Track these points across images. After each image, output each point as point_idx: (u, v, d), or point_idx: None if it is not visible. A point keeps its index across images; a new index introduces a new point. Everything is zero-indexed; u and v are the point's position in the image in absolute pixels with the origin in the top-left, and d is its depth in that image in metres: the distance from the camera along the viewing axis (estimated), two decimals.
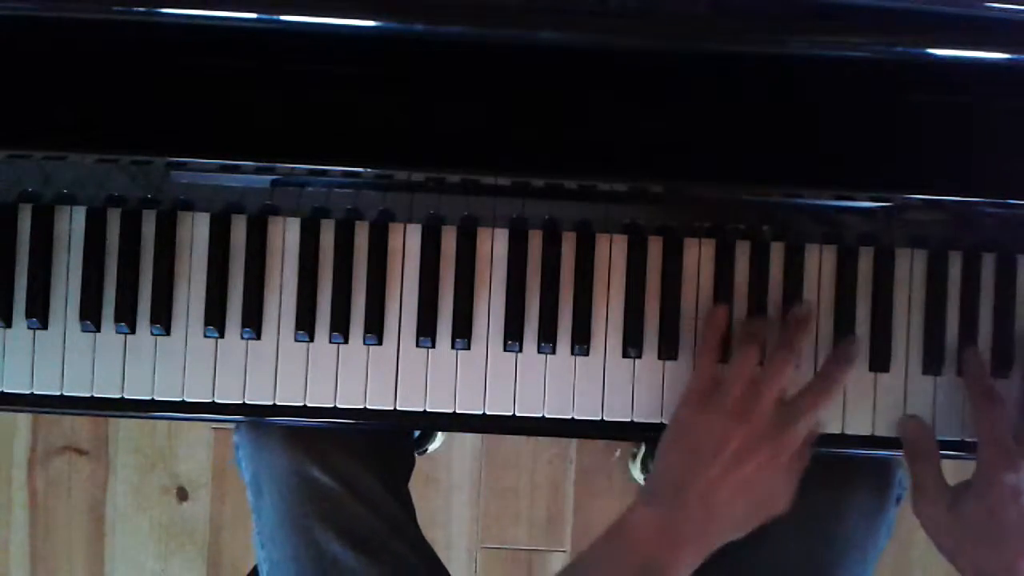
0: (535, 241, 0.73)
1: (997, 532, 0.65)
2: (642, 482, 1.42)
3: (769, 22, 0.59)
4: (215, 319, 0.72)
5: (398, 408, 0.73)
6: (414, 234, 0.73)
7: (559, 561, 1.46)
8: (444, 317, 0.73)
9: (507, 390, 0.73)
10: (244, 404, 0.73)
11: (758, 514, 0.68)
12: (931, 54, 0.59)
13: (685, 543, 0.66)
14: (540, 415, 0.73)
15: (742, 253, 0.73)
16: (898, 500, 0.80)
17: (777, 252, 0.73)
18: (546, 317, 0.73)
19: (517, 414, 0.73)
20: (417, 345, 0.73)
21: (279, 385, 0.73)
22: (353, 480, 0.77)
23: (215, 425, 1.44)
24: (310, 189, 0.68)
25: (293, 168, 0.64)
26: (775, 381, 0.68)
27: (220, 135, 0.63)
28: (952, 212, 0.67)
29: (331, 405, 0.73)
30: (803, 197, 0.66)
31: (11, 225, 0.72)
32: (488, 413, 0.73)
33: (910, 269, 0.74)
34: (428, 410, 0.73)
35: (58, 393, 0.73)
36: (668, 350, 0.73)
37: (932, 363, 0.73)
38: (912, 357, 0.74)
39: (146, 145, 0.63)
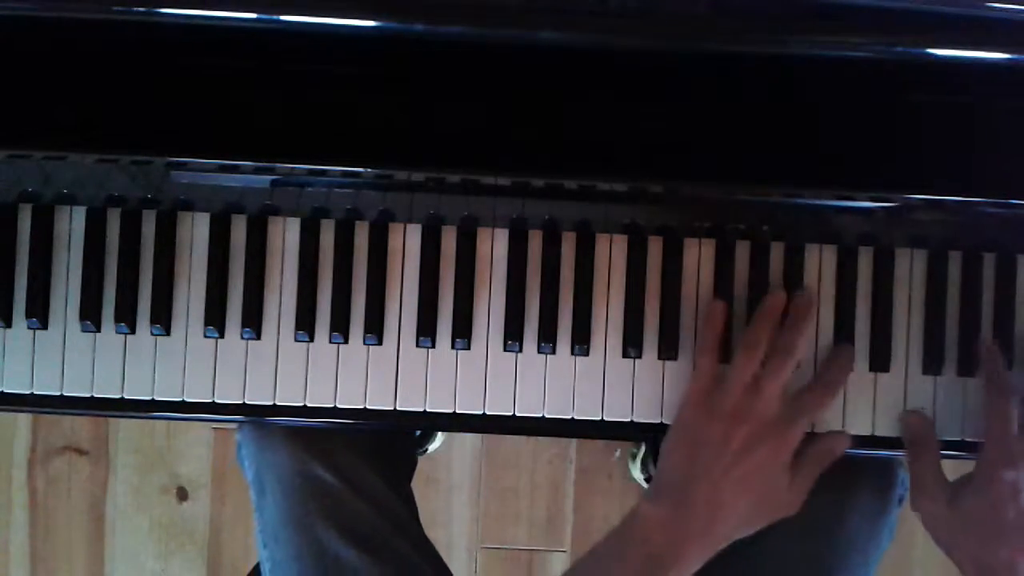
0: (535, 241, 0.73)
1: (996, 528, 0.66)
2: (642, 482, 1.42)
3: (769, 22, 0.59)
4: (215, 319, 0.72)
5: (398, 408, 0.73)
6: (414, 234, 0.73)
7: (559, 561, 1.46)
8: (444, 317, 0.73)
9: (507, 390, 0.73)
10: (244, 404, 0.73)
11: (764, 512, 0.68)
12: (931, 54, 0.59)
13: (690, 541, 0.66)
14: (540, 415, 0.73)
15: (742, 253, 0.73)
16: (900, 501, 0.80)
17: (777, 252, 0.73)
18: (546, 317, 0.73)
19: (517, 414, 0.73)
20: (417, 345, 0.73)
21: (279, 385, 0.73)
22: (356, 478, 0.77)
23: (215, 425, 1.44)
24: (310, 189, 0.68)
25: (293, 168, 0.64)
26: (775, 379, 0.68)
27: (220, 135, 0.63)
28: (952, 212, 0.67)
29: (331, 405, 0.73)
30: (803, 197, 0.66)
31: (11, 225, 0.72)
32: (488, 413, 0.73)
33: (910, 269, 0.74)
34: (428, 410, 0.73)
35: (58, 393, 0.73)
36: (668, 350, 0.73)
37: (932, 363, 0.73)
38: (912, 357, 0.74)
39: (146, 145, 0.63)
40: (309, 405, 0.73)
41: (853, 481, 0.78)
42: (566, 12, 0.58)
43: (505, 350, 0.73)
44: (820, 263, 0.74)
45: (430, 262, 0.73)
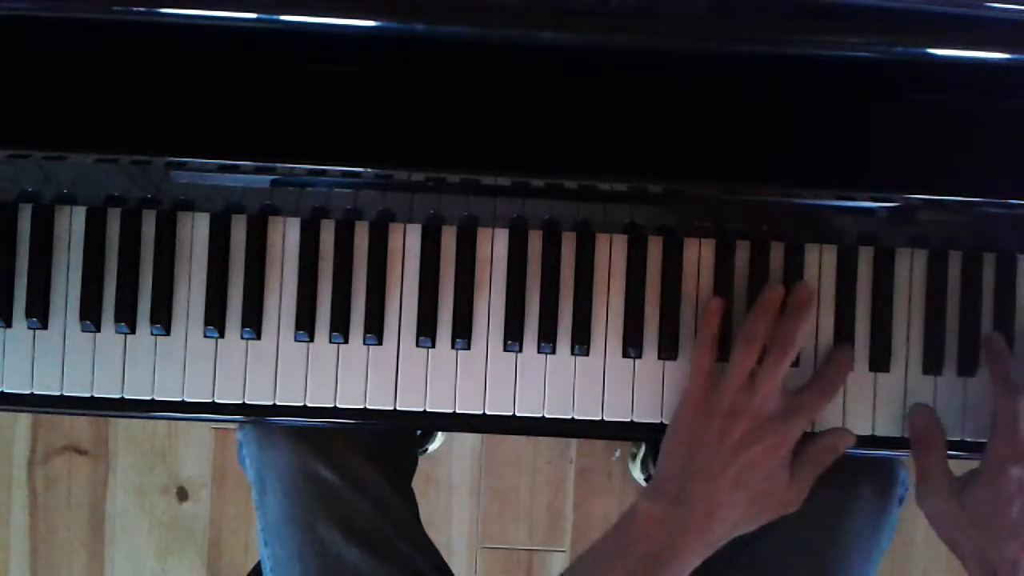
0: (535, 241, 0.73)
1: (1001, 524, 0.66)
2: (642, 482, 1.42)
3: (769, 22, 0.59)
4: (215, 319, 0.72)
5: (398, 408, 0.73)
6: (414, 234, 0.73)
7: (559, 561, 1.46)
8: (444, 317, 0.73)
9: (507, 390, 0.73)
10: (244, 404, 0.73)
11: (763, 509, 0.68)
12: (931, 54, 0.59)
13: (688, 537, 0.66)
14: (540, 415, 0.73)
15: (742, 253, 0.73)
16: (901, 500, 0.80)
17: (777, 252, 0.73)
18: (546, 317, 0.73)
19: (517, 414, 0.73)
20: (417, 345, 0.73)
21: (279, 385, 0.73)
22: (358, 477, 0.77)
23: (215, 425, 1.44)
24: (310, 189, 0.68)
25: (293, 168, 0.64)
26: (773, 374, 0.68)
27: (220, 135, 0.63)
28: (952, 212, 0.67)
29: (331, 405, 0.73)
30: (803, 197, 0.66)
31: (11, 225, 0.72)
32: (488, 413, 0.73)
33: (910, 269, 0.74)
34: (428, 410, 0.73)
35: (58, 393, 0.73)
36: (668, 350, 0.73)
37: (932, 363, 0.73)
38: (912, 357, 0.74)
39: (146, 145, 0.63)
40: (309, 405, 0.73)
41: (854, 481, 0.78)
42: (566, 12, 0.58)
43: (505, 350, 0.73)
44: (820, 263, 0.74)
45: (430, 262, 0.73)
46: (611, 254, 0.73)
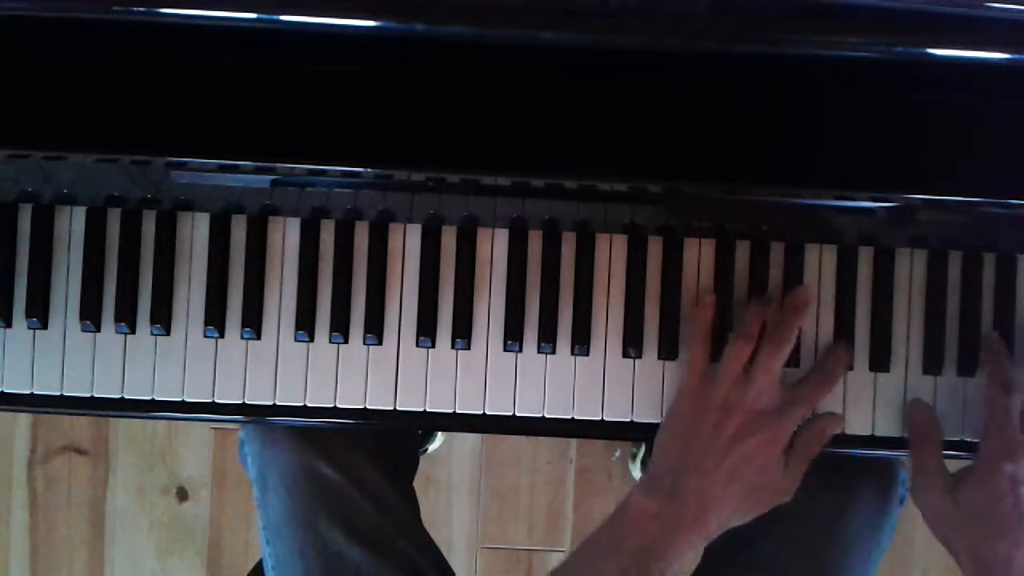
0: (535, 241, 0.73)
1: (994, 521, 0.66)
2: None
3: (769, 22, 0.59)
4: (215, 319, 0.72)
5: (398, 408, 0.73)
6: (414, 234, 0.73)
7: (559, 561, 1.45)
8: (444, 317, 0.73)
9: (507, 390, 0.73)
10: (244, 404, 0.73)
11: (758, 500, 0.68)
12: (931, 54, 0.59)
13: (682, 531, 0.66)
14: (540, 415, 0.73)
15: (742, 253, 0.73)
16: (901, 501, 0.80)
17: (777, 252, 0.73)
18: (546, 317, 0.73)
19: (517, 414, 0.73)
20: (417, 345, 0.73)
21: (279, 385, 0.73)
22: (359, 476, 0.77)
23: (215, 425, 1.44)
24: (310, 189, 0.68)
25: (293, 168, 0.64)
26: (767, 368, 0.68)
27: (220, 135, 0.63)
28: (952, 212, 0.67)
29: (331, 405, 0.73)
30: (803, 197, 0.66)
31: (11, 225, 0.72)
32: (488, 413, 0.73)
33: (910, 269, 0.74)
34: (428, 410, 0.73)
35: (58, 393, 0.73)
36: (668, 350, 0.73)
37: (932, 363, 0.73)
38: (912, 357, 0.74)
39: (146, 145, 0.63)
40: (309, 405, 0.73)
41: (854, 481, 0.78)
42: (566, 12, 0.58)
43: (505, 350, 0.73)
44: (820, 263, 0.74)
45: (430, 262, 0.73)
46: (611, 254, 0.73)
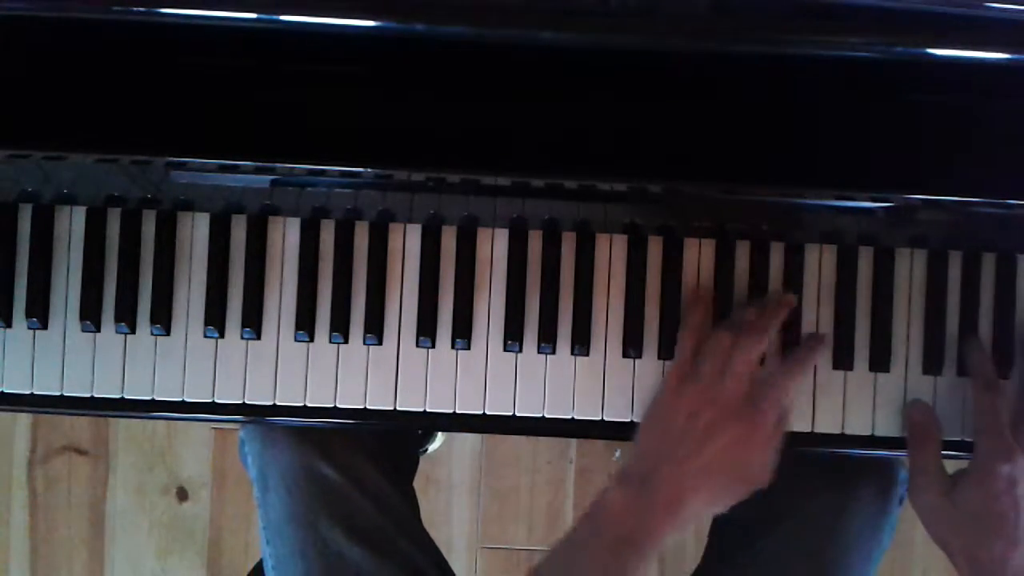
0: (535, 241, 0.73)
1: (991, 522, 0.66)
2: None
3: (769, 22, 0.59)
4: (215, 319, 0.72)
5: (398, 408, 0.73)
6: (414, 234, 0.73)
7: None
8: (444, 317, 0.73)
9: (507, 390, 0.73)
10: (244, 404, 0.73)
11: (734, 489, 0.68)
12: (931, 54, 0.59)
13: (657, 521, 0.65)
14: (540, 415, 0.73)
15: (742, 253, 0.73)
16: (901, 500, 0.80)
17: (777, 252, 0.73)
18: (546, 317, 0.73)
19: (517, 414, 0.73)
20: (417, 345, 0.73)
21: (279, 385, 0.73)
22: (360, 476, 0.77)
23: (215, 425, 1.44)
24: (310, 189, 0.68)
25: (293, 168, 0.64)
26: (744, 357, 0.68)
27: (220, 135, 0.63)
28: (952, 212, 0.67)
29: (331, 405, 0.73)
30: (803, 197, 0.66)
31: (11, 225, 0.72)
32: (488, 413, 0.73)
33: (910, 269, 0.74)
34: (428, 410, 0.73)
35: (58, 393, 0.73)
36: (668, 350, 0.73)
37: (932, 363, 0.73)
38: (912, 357, 0.74)
39: (146, 145, 0.63)
40: (309, 405, 0.73)
41: (854, 481, 0.78)
42: (566, 12, 0.58)
43: (505, 350, 0.73)
44: (820, 263, 0.74)
45: (430, 262, 0.73)
46: (611, 254, 0.73)
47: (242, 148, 0.63)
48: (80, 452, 1.47)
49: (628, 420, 0.73)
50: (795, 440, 0.73)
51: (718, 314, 0.73)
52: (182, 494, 1.47)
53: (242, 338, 0.73)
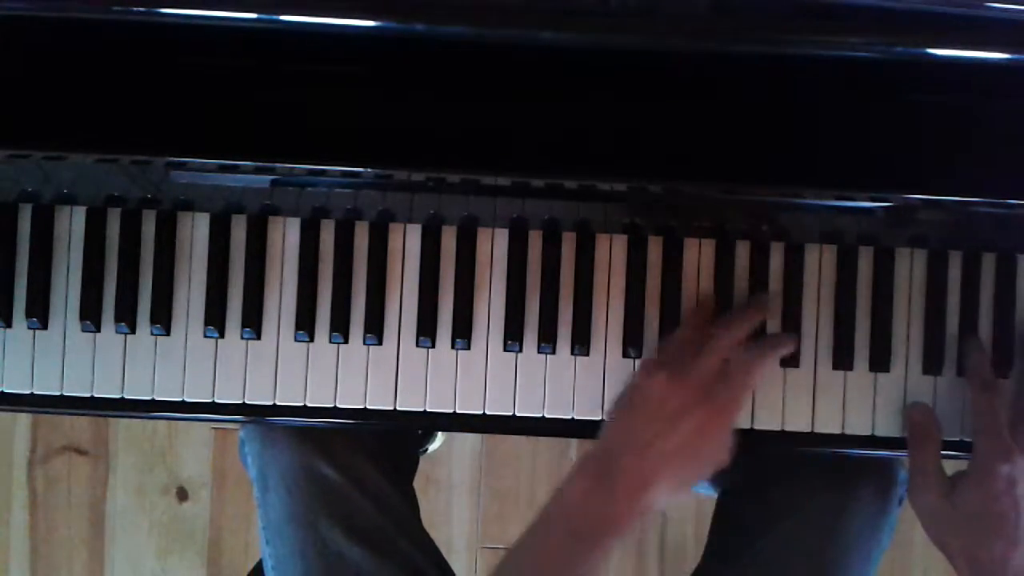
0: (535, 241, 0.73)
1: (990, 523, 0.66)
2: None
3: (769, 22, 0.59)
4: (215, 319, 0.72)
5: (398, 408, 0.73)
6: (414, 234, 0.73)
7: None
8: (444, 317, 0.73)
9: (507, 390, 0.73)
10: (244, 404, 0.73)
11: (696, 474, 0.67)
12: (931, 54, 0.59)
13: (620, 510, 0.65)
14: (540, 415, 0.73)
15: (742, 253, 0.73)
16: (900, 501, 0.80)
17: (777, 252, 0.73)
18: (546, 317, 0.73)
19: (517, 414, 0.73)
20: (417, 345, 0.73)
21: (279, 385, 0.73)
22: (360, 476, 0.77)
23: (215, 425, 1.44)
24: (310, 189, 0.68)
25: (293, 168, 0.64)
26: (716, 346, 0.67)
27: (220, 135, 0.63)
28: (952, 212, 0.67)
29: (331, 405, 0.73)
30: (803, 197, 0.66)
31: (11, 225, 0.72)
32: (488, 413, 0.73)
33: (910, 269, 0.74)
34: (428, 410, 0.73)
35: (58, 393, 0.73)
36: None
37: (932, 363, 0.73)
38: (912, 357, 0.74)
39: (146, 145, 0.63)
40: (309, 405, 0.73)
41: (854, 481, 0.78)
42: (566, 12, 0.58)
43: (505, 350, 0.73)
44: (820, 263, 0.74)
45: (430, 262, 0.73)
46: (611, 254, 0.73)
47: (242, 148, 0.63)
48: (80, 452, 1.47)
49: None
50: (795, 440, 0.73)
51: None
52: (182, 494, 1.47)
53: (242, 338, 0.73)
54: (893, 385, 0.73)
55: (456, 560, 1.44)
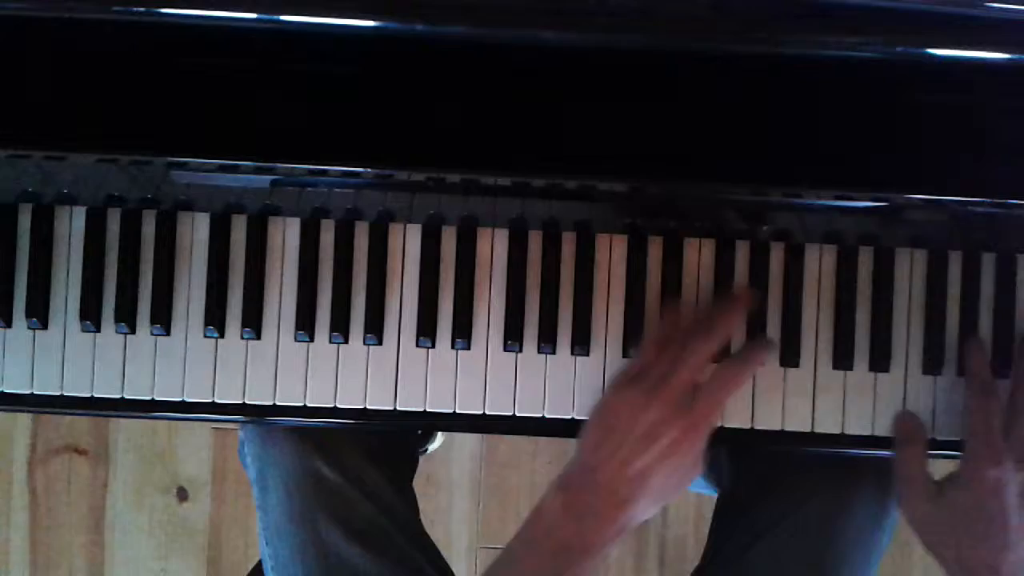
0: (535, 241, 0.73)
1: (979, 526, 0.66)
2: None
3: (769, 22, 0.59)
4: (215, 319, 0.72)
5: (398, 408, 0.73)
6: (414, 234, 0.73)
7: None
8: (444, 317, 0.73)
9: (507, 390, 0.73)
10: (244, 404, 0.73)
11: (674, 488, 0.67)
12: (931, 54, 0.59)
13: (599, 526, 0.64)
14: (540, 415, 0.73)
15: (742, 253, 0.73)
16: None
17: (777, 252, 0.73)
18: (546, 317, 0.73)
19: (517, 414, 0.73)
20: (417, 345, 0.73)
21: (279, 385, 0.73)
22: (360, 476, 0.77)
23: (215, 425, 1.44)
24: (310, 189, 0.68)
25: (293, 168, 0.64)
26: (689, 360, 0.66)
27: (220, 135, 0.63)
28: (952, 212, 0.67)
29: (331, 405, 0.73)
30: (803, 197, 0.66)
31: (11, 225, 0.72)
32: (488, 413, 0.73)
33: (910, 269, 0.74)
34: (428, 410, 0.73)
35: (58, 393, 0.73)
36: None
37: (932, 363, 0.73)
38: (912, 357, 0.74)
39: (146, 145, 0.63)
40: (309, 405, 0.73)
41: (853, 481, 0.78)
42: (566, 12, 0.58)
43: (505, 350, 0.73)
44: (820, 263, 0.74)
45: (430, 262, 0.73)
46: (611, 254, 0.73)
47: (242, 148, 0.63)
48: (80, 452, 1.47)
49: None
50: (795, 440, 0.73)
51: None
52: (182, 494, 1.47)
53: (242, 338, 0.73)
54: (893, 385, 0.73)
55: (456, 560, 1.44)
